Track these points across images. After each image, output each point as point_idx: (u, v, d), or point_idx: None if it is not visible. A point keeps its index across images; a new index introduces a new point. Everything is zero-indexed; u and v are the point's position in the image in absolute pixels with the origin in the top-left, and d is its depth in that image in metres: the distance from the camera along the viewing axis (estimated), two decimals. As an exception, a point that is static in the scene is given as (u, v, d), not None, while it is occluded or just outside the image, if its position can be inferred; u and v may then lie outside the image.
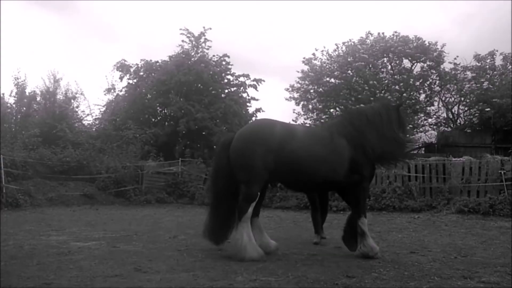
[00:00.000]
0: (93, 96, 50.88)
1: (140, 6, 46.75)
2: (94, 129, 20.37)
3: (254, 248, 5.20)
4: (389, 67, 19.28)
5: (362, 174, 5.60)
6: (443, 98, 19.88)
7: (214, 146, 17.73)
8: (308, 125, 18.94)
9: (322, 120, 19.70)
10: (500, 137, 17.42)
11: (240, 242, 5.16)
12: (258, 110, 21.42)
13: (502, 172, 10.88)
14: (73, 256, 5.34)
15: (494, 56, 19.07)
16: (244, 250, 5.12)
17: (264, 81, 21.08)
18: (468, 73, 18.96)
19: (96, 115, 21.09)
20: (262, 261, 5.09)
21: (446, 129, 19.94)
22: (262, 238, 5.63)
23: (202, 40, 20.58)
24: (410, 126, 17.57)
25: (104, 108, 20.85)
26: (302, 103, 20.08)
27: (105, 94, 21.67)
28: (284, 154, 5.26)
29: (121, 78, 20.98)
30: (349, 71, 18.73)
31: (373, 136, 5.68)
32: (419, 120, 18.91)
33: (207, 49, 20.75)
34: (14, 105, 20.93)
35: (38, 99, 21.24)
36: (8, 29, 40.20)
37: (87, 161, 15.11)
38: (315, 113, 20.09)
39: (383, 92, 17.53)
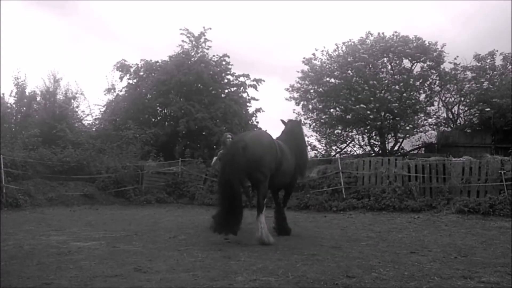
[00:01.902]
0: (93, 96, 50.90)
1: (140, 6, 46.75)
2: (94, 129, 20.37)
3: (269, 235, 6.55)
4: (389, 67, 19.23)
5: (296, 177, 7.72)
6: (443, 98, 19.86)
7: (215, 146, 17.73)
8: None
9: (322, 120, 19.70)
10: (500, 137, 17.41)
11: (262, 230, 6.45)
12: (258, 110, 21.43)
13: (502, 172, 10.88)
14: (73, 256, 5.34)
15: (494, 56, 19.04)
16: (267, 237, 6.44)
17: (264, 81, 21.11)
18: (468, 73, 18.92)
19: (96, 115, 21.11)
20: (262, 261, 5.09)
21: (446, 129, 19.92)
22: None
23: (202, 40, 20.59)
24: (410, 126, 17.57)
25: (104, 108, 20.86)
26: (302, 103, 20.04)
27: (105, 94, 21.71)
28: (277, 162, 6.77)
29: (121, 78, 21.00)
30: (349, 71, 18.69)
31: (302, 146, 7.92)
32: (419, 120, 18.86)
33: (207, 49, 20.77)
34: (14, 105, 20.93)
35: (38, 99, 21.24)
36: (8, 29, 40.21)
37: (87, 161, 15.11)
38: (315, 113, 20.05)
39: (383, 92, 17.51)
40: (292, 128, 7.95)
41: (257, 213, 6.61)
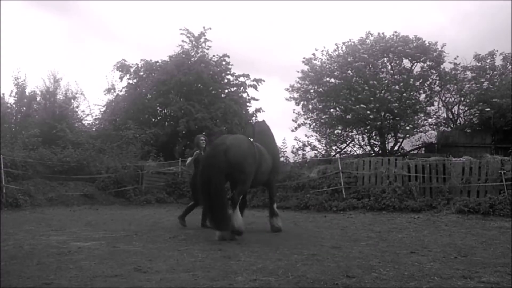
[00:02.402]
0: (93, 96, 50.93)
1: (140, 6, 46.75)
2: (94, 129, 20.37)
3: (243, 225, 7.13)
4: (389, 67, 19.23)
5: (274, 174, 8.34)
6: (443, 98, 19.86)
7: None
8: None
9: (322, 120, 19.70)
10: (500, 137, 17.41)
11: (238, 222, 6.95)
12: (258, 110, 21.44)
13: (502, 172, 10.88)
14: (73, 256, 5.34)
15: (494, 56, 19.05)
16: (239, 226, 6.92)
17: (264, 81, 21.12)
18: (468, 73, 18.93)
19: (96, 115, 21.12)
20: (262, 261, 5.10)
21: (446, 129, 19.92)
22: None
23: (202, 40, 20.59)
24: (410, 126, 17.57)
25: (104, 108, 20.86)
26: (302, 103, 20.04)
27: (105, 94, 21.72)
28: (257, 164, 7.30)
29: (121, 78, 21.00)
30: (349, 71, 18.69)
31: (273, 144, 8.47)
32: (419, 120, 18.87)
33: (207, 49, 20.77)
34: (14, 105, 20.94)
35: (38, 99, 21.25)
36: (8, 29, 40.22)
37: (87, 161, 15.12)
38: (315, 113, 20.05)
39: (383, 92, 17.51)
40: (262, 130, 8.45)
41: (232, 206, 7.00)
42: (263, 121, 9.12)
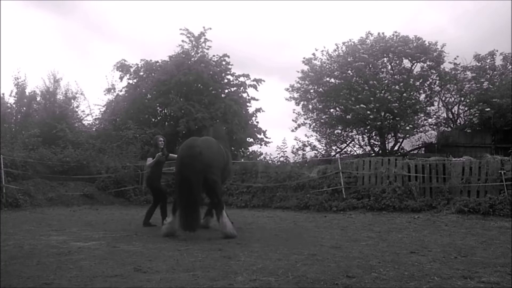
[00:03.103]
0: (93, 96, 50.93)
1: (140, 6, 46.76)
2: (94, 129, 20.36)
3: (233, 228, 7.31)
4: (389, 67, 19.22)
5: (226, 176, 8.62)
6: (443, 98, 19.85)
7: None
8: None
9: (322, 120, 19.70)
10: (500, 137, 17.41)
11: (228, 225, 7.17)
12: (258, 110, 21.42)
13: (502, 172, 10.88)
14: (73, 256, 5.34)
15: (494, 56, 19.04)
16: (232, 230, 7.13)
17: (264, 81, 21.09)
18: (468, 73, 18.92)
19: (96, 115, 21.08)
20: (262, 261, 5.10)
21: (446, 129, 19.91)
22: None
23: (202, 40, 20.57)
24: (410, 126, 17.57)
25: (104, 108, 20.84)
26: (302, 103, 20.04)
27: (105, 94, 21.68)
28: (224, 163, 7.80)
29: (121, 78, 20.97)
30: (349, 71, 18.70)
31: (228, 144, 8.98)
32: (419, 120, 18.86)
33: (207, 49, 20.74)
34: (14, 105, 20.92)
35: (38, 99, 21.23)
36: (8, 29, 40.22)
37: (87, 161, 15.11)
38: (315, 113, 20.05)
39: (383, 92, 17.52)
40: (219, 131, 9.02)
41: (219, 212, 7.28)
42: (220, 123, 9.35)
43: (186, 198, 6.90)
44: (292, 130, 20.54)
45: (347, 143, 20.91)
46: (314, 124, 20.37)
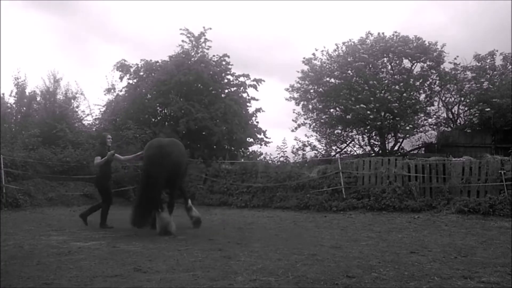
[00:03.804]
0: (93, 96, 50.92)
1: (140, 6, 46.76)
2: (94, 129, 20.34)
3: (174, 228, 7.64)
4: (389, 67, 19.22)
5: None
6: (443, 98, 19.84)
7: (212, 147, 17.64)
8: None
9: (322, 120, 19.69)
10: (500, 137, 17.40)
11: (173, 226, 7.56)
12: (258, 110, 21.40)
13: (502, 172, 10.88)
14: (73, 256, 5.35)
15: (494, 56, 19.02)
16: (175, 230, 7.47)
17: (264, 81, 21.05)
18: (468, 73, 18.90)
19: (96, 115, 21.05)
20: (262, 261, 5.10)
21: (446, 129, 19.90)
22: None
23: (202, 40, 20.55)
24: (410, 126, 17.56)
25: (104, 108, 20.81)
26: (302, 103, 20.02)
27: (105, 94, 21.62)
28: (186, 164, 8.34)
29: (121, 78, 20.93)
30: (349, 71, 18.69)
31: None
32: (419, 120, 18.86)
33: (207, 49, 20.72)
34: (14, 105, 20.91)
35: (38, 99, 21.21)
36: (8, 29, 40.23)
37: (87, 161, 15.10)
38: (315, 113, 20.05)
39: (383, 92, 17.52)
40: (171, 135, 9.63)
41: (171, 210, 7.88)
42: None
43: (149, 196, 7.27)
44: (292, 130, 20.56)
45: (347, 143, 20.90)
46: (314, 124, 20.37)
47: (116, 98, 20.76)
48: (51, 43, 46.78)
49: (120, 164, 15.14)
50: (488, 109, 16.78)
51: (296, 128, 20.45)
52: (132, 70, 20.93)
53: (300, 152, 18.51)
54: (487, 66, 18.92)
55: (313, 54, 19.60)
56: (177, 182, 7.91)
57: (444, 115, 20.18)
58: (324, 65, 19.50)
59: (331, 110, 19.43)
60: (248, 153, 20.60)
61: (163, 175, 7.40)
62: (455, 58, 18.92)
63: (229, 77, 21.08)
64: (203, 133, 19.25)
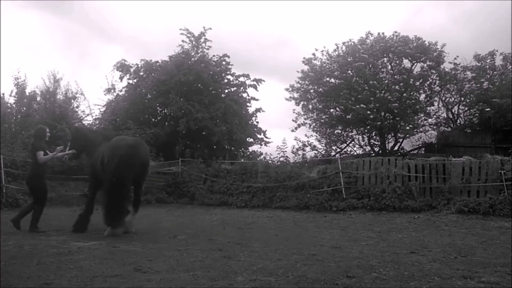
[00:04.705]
0: (93, 96, 50.92)
1: (140, 6, 46.77)
2: (94, 129, 20.34)
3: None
4: (389, 67, 19.23)
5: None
6: (443, 98, 19.84)
7: (208, 147, 17.60)
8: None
9: (322, 120, 19.69)
10: (500, 137, 17.40)
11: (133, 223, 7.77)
12: (258, 110, 21.42)
13: (502, 172, 10.88)
14: (73, 256, 5.34)
15: (494, 56, 19.03)
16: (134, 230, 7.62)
17: (264, 81, 21.08)
18: (468, 73, 18.90)
19: (96, 115, 21.04)
20: (262, 261, 5.10)
21: (446, 129, 19.91)
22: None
23: (202, 40, 20.57)
24: (410, 126, 17.56)
25: (104, 108, 20.82)
26: (302, 103, 20.03)
27: (105, 94, 21.64)
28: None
29: (121, 78, 20.95)
30: (349, 71, 18.70)
31: None
32: (419, 120, 18.86)
33: (207, 49, 20.74)
34: (14, 105, 20.90)
35: (38, 99, 21.20)
36: (8, 29, 40.22)
37: (87, 161, 15.07)
38: (315, 113, 20.06)
39: (383, 92, 17.52)
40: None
41: (138, 209, 8.09)
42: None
43: (117, 195, 7.19)
44: (292, 130, 20.56)
45: (347, 143, 20.91)
46: (314, 124, 20.37)
47: (116, 98, 20.76)
48: (51, 43, 46.84)
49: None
50: (488, 109, 16.78)
51: (296, 128, 20.48)
52: (132, 70, 20.95)
53: (300, 152, 18.53)
54: (487, 66, 18.92)
55: (313, 54, 19.63)
56: (141, 181, 8.13)
57: (444, 115, 20.21)
58: (324, 65, 19.50)
59: (331, 110, 19.43)
60: (248, 153, 20.62)
61: (132, 175, 7.48)
62: (455, 58, 18.94)
63: (229, 77, 21.11)
64: (203, 133, 19.25)
